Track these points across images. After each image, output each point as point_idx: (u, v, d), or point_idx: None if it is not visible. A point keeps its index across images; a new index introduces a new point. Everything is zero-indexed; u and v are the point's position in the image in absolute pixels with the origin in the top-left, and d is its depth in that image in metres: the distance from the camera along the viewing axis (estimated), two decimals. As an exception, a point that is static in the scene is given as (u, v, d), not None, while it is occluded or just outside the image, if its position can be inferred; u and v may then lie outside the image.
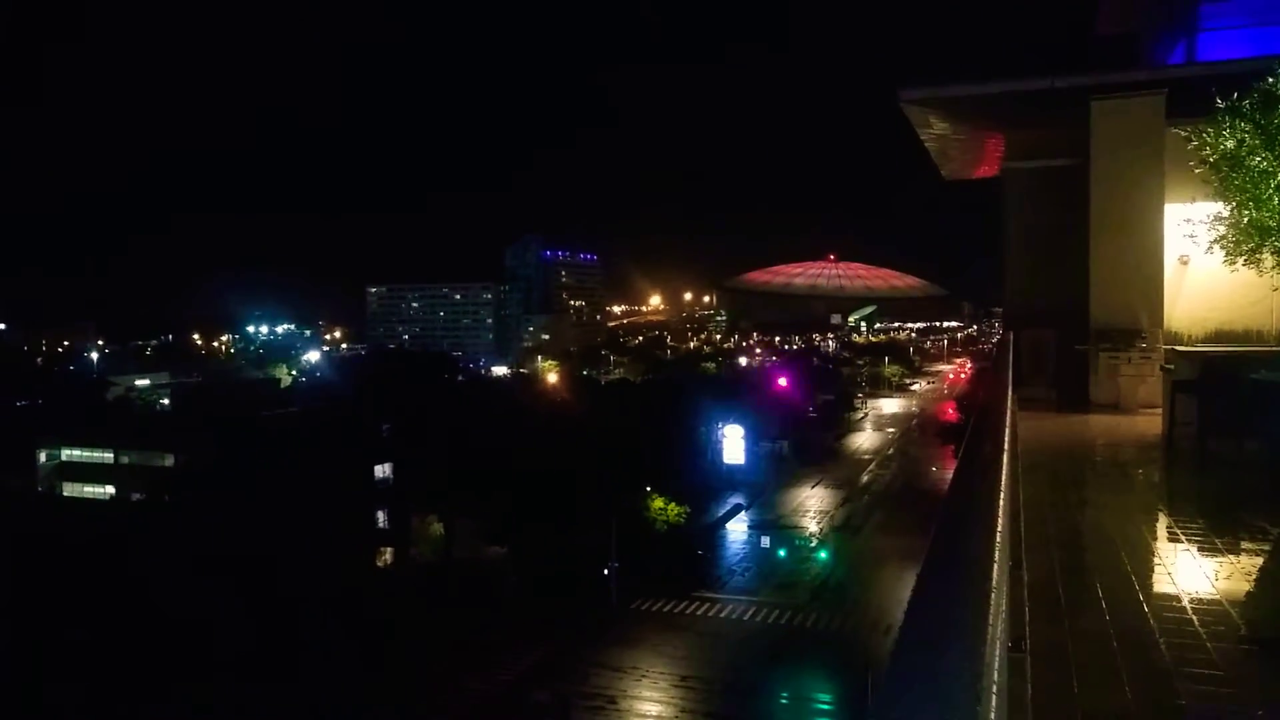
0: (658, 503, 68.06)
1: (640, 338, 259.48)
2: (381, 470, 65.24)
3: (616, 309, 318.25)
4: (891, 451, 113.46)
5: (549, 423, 70.46)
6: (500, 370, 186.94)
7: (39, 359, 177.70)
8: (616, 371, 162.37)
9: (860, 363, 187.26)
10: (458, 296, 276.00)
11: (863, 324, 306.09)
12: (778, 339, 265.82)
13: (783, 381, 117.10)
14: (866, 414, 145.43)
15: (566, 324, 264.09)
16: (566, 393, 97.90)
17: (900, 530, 67.33)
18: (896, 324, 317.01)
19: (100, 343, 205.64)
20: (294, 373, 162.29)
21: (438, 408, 69.13)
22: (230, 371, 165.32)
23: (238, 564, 43.57)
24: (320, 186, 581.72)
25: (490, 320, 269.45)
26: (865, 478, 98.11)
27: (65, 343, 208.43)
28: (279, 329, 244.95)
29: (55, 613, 41.39)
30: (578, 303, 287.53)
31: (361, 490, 61.63)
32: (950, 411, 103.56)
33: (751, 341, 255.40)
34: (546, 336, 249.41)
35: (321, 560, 47.79)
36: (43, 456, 71.60)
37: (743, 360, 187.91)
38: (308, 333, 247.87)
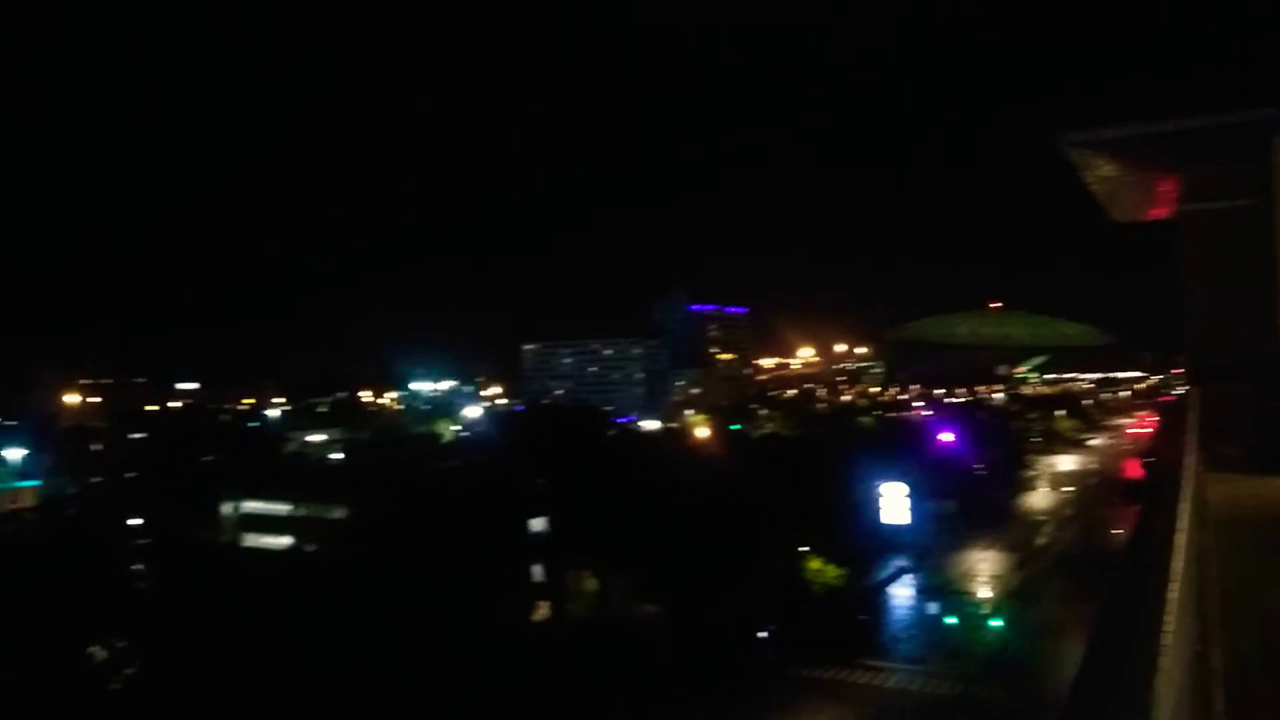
0: (815, 563, 66.26)
1: (792, 391, 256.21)
2: (538, 524, 66.38)
3: (766, 362, 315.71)
4: (1070, 512, 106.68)
5: (699, 479, 70.13)
6: (650, 425, 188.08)
7: (226, 416, 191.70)
8: (767, 426, 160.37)
9: (1031, 416, 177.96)
10: (608, 352, 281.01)
11: (1031, 375, 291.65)
12: (938, 391, 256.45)
13: (947, 436, 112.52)
14: (1040, 472, 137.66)
15: (715, 378, 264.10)
16: (716, 447, 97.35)
17: (1083, 598, 62.75)
18: (1070, 375, 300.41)
19: (280, 400, 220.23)
20: (455, 428, 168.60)
21: (590, 463, 70.10)
22: (397, 427, 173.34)
23: (405, 613, 45.03)
24: (477, 241, 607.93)
25: (640, 375, 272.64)
26: (1042, 540, 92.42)
27: (249, 400, 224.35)
28: (441, 386, 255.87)
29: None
30: (727, 356, 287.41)
31: (518, 544, 62.88)
32: (1134, 469, 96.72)
33: (910, 394, 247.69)
34: (696, 390, 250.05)
35: (481, 613, 48.84)
36: (227, 509, 76.66)
37: (902, 414, 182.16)
38: (468, 389, 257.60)
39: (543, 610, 63.57)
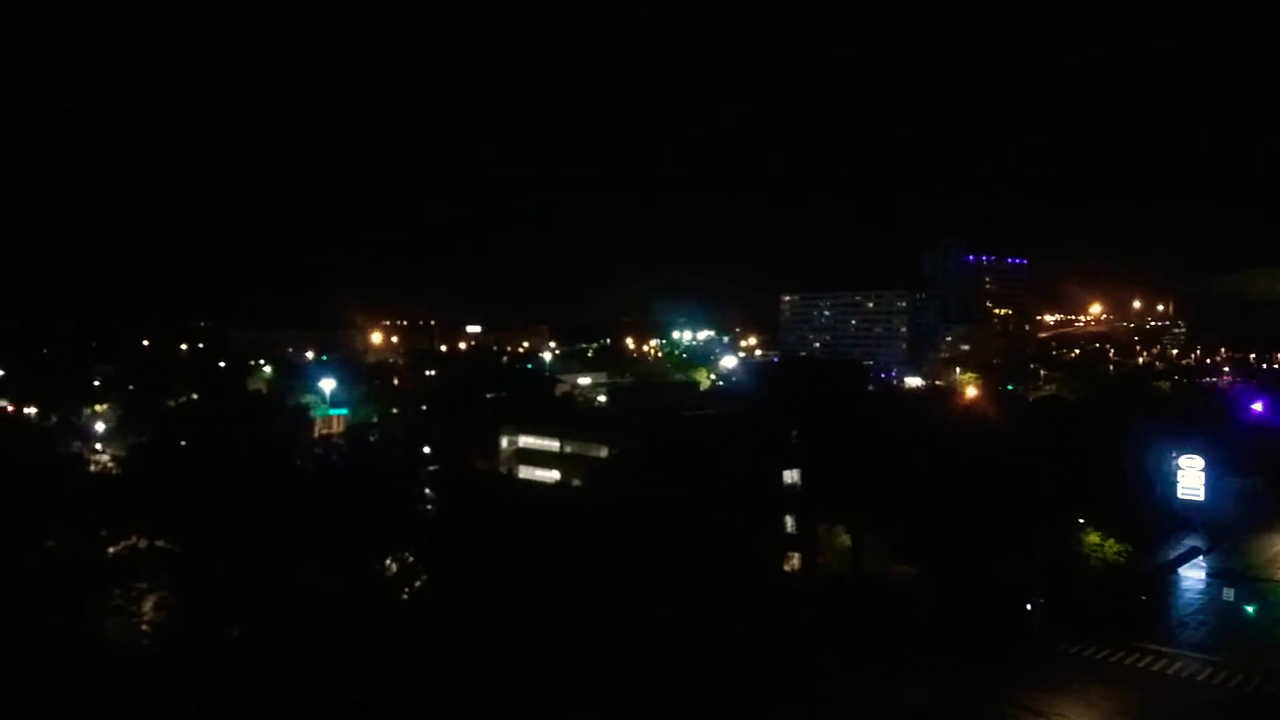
0: (1092, 537, 61.22)
1: (1076, 351, 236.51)
2: (790, 476, 65.92)
3: (1048, 318, 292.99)
4: None
5: (967, 440, 66.51)
6: (914, 382, 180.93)
7: (505, 358, 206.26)
8: (1047, 388, 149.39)
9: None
10: (870, 304, 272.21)
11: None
12: (1253, 356, 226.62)
13: (1258, 407, 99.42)
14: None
15: (989, 334, 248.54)
16: (987, 408, 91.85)
17: None
18: None
19: (552, 345, 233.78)
20: (712, 376, 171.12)
21: (848, 417, 68.38)
22: (657, 374, 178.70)
23: (662, 554, 46.26)
24: (739, 193, 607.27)
25: (904, 329, 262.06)
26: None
27: (525, 344, 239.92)
28: (700, 335, 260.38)
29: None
30: (1003, 311, 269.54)
31: (771, 494, 62.81)
32: None
33: (1218, 358, 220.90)
34: (966, 347, 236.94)
35: (734, 558, 49.27)
36: (505, 443, 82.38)
37: (1206, 379, 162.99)
38: (725, 339, 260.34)
39: (794, 561, 63.31)
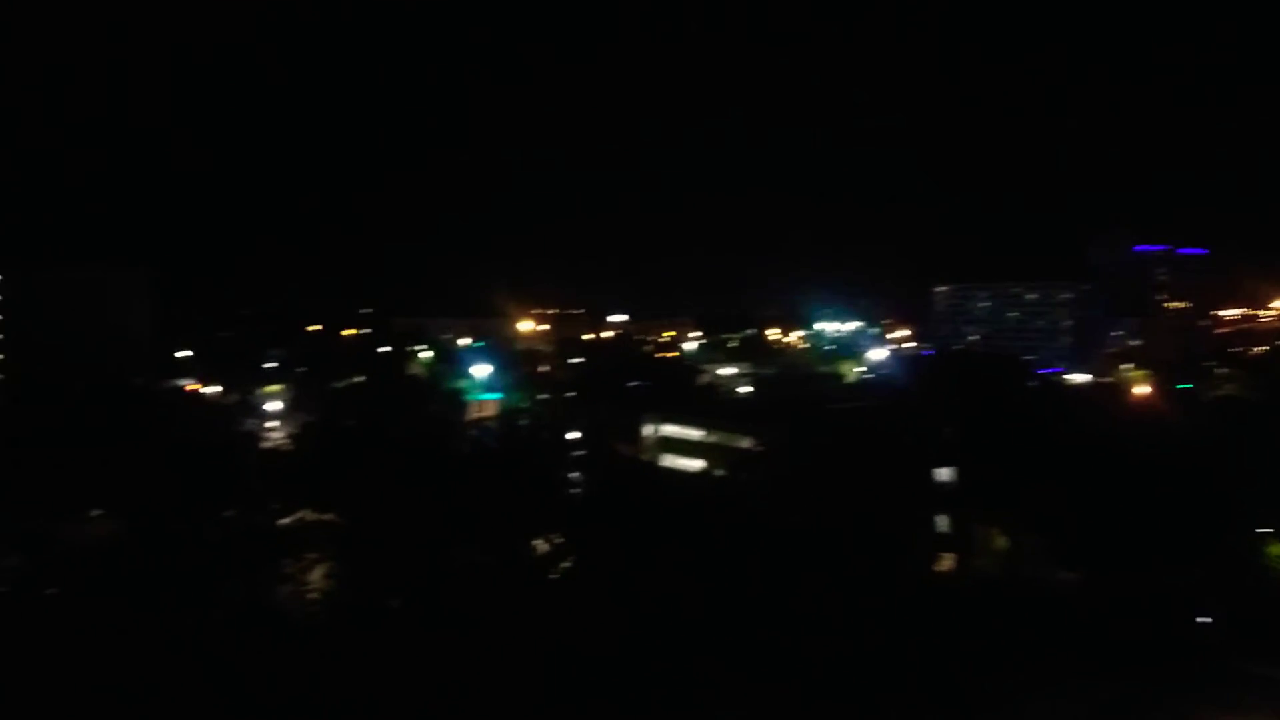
0: (1277, 549, 56.46)
1: (1260, 348, 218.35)
2: (943, 473, 63.72)
3: (1228, 313, 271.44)
4: None
5: (1138, 441, 62.50)
6: (1079, 378, 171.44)
7: (649, 347, 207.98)
8: (1225, 387, 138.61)
9: None
10: (1031, 296, 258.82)
11: None
12: None
13: None
14: None
15: (1161, 329, 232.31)
16: (1160, 408, 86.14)
17: None
18: None
19: (696, 334, 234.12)
20: (859, 369, 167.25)
21: (1006, 413, 65.47)
22: (801, 365, 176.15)
23: (807, 548, 45.63)
24: (887, 181, 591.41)
25: (1068, 322, 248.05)
26: None
27: (668, 333, 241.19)
28: (847, 326, 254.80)
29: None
30: (1177, 304, 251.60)
31: (922, 491, 60.89)
32: None
33: None
34: (1136, 342, 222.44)
35: (882, 556, 48.08)
36: (648, 431, 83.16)
37: None
38: (873, 330, 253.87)
39: (947, 562, 61.19)
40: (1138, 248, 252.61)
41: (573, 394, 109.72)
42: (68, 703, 31.97)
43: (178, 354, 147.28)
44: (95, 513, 57.00)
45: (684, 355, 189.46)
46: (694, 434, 78.36)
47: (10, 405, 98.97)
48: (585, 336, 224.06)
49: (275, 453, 79.36)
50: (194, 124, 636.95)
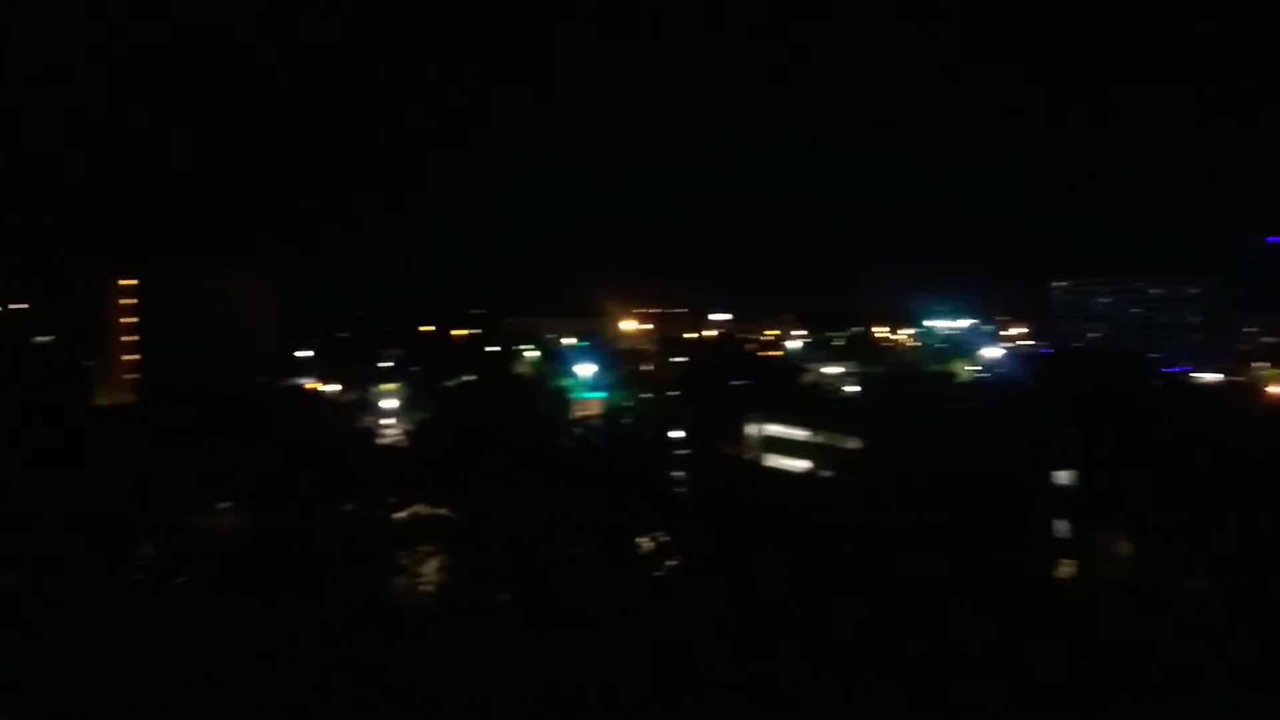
0: None
1: None
2: (1062, 476, 61.20)
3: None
4: None
5: (1270, 441, 58.76)
6: (1209, 377, 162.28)
7: (752, 345, 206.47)
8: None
9: None
10: (1156, 291, 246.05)
11: None
12: None
13: None
14: None
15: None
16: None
17: None
18: None
19: (800, 333, 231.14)
20: (973, 368, 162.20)
21: (1131, 414, 62.46)
22: (911, 364, 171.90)
23: (916, 551, 44.53)
24: (1005, 173, 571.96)
25: (1196, 319, 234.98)
26: None
27: (772, 332, 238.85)
28: (959, 324, 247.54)
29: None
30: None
31: (1039, 494, 58.60)
32: None
33: None
34: (1271, 339, 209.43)
35: (996, 561, 46.52)
36: (752, 430, 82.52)
37: None
38: (987, 328, 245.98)
39: (1067, 569, 58.75)
40: (1270, 239, 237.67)
41: (676, 393, 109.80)
42: (192, 686, 33.59)
43: (298, 353, 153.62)
44: (223, 505, 59.85)
45: (787, 354, 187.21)
46: (798, 434, 77.36)
47: (145, 403, 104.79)
48: (688, 335, 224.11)
49: (391, 449, 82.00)
50: (317, 133, 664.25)
